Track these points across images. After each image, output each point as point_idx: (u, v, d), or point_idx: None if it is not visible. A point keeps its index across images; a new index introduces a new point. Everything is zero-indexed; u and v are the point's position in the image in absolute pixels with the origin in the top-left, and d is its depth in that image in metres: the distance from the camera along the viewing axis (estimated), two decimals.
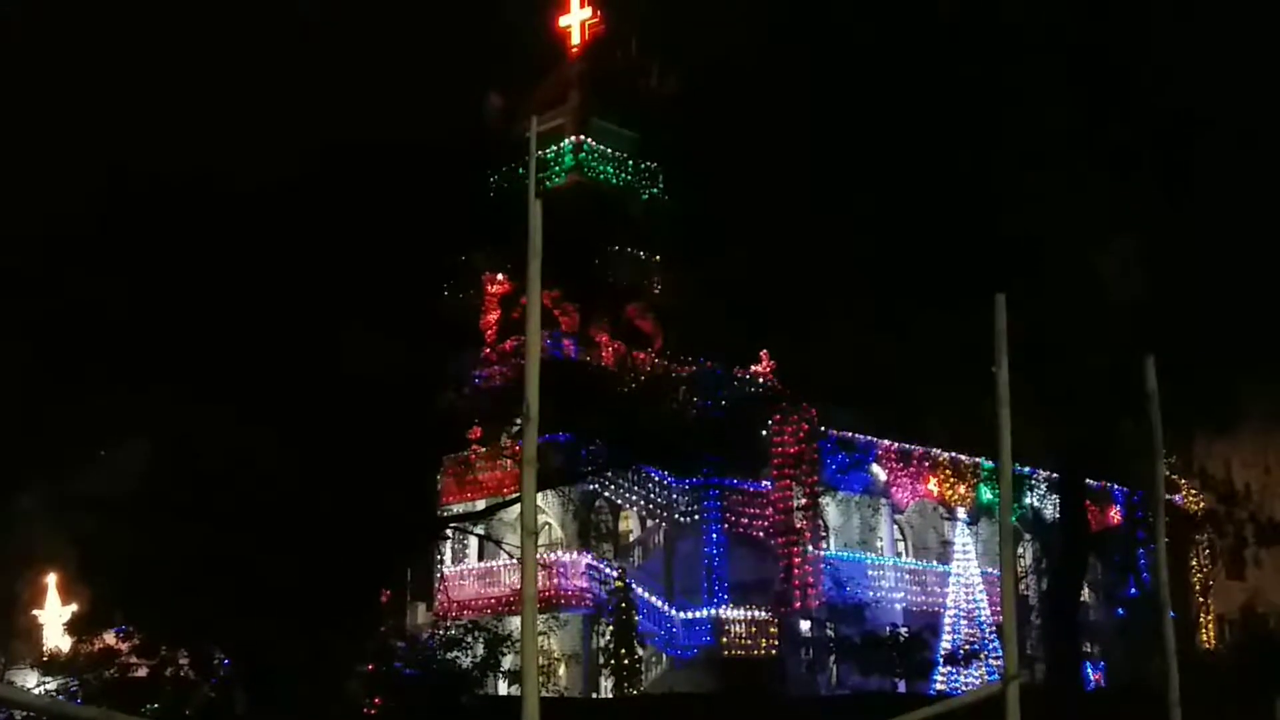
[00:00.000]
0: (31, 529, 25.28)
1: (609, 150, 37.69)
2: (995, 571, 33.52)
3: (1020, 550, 37.78)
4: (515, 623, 28.17)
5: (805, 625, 33.67)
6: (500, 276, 28.01)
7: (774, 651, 32.33)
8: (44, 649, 26.92)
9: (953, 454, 37.86)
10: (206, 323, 19.96)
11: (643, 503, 33.43)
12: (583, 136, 37.32)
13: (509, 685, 27.69)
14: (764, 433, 32.73)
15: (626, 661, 29.75)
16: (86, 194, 22.01)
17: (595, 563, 32.80)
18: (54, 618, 29.93)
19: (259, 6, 65.29)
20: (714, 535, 32.75)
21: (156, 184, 20.66)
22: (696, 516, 32.72)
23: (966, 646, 33.87)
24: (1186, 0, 25.30)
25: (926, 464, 37.70)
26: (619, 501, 34.25)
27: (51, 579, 30.71)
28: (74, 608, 27.28)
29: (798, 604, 32.76)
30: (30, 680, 25.20)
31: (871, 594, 34.46)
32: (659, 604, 32.12)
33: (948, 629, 34.64)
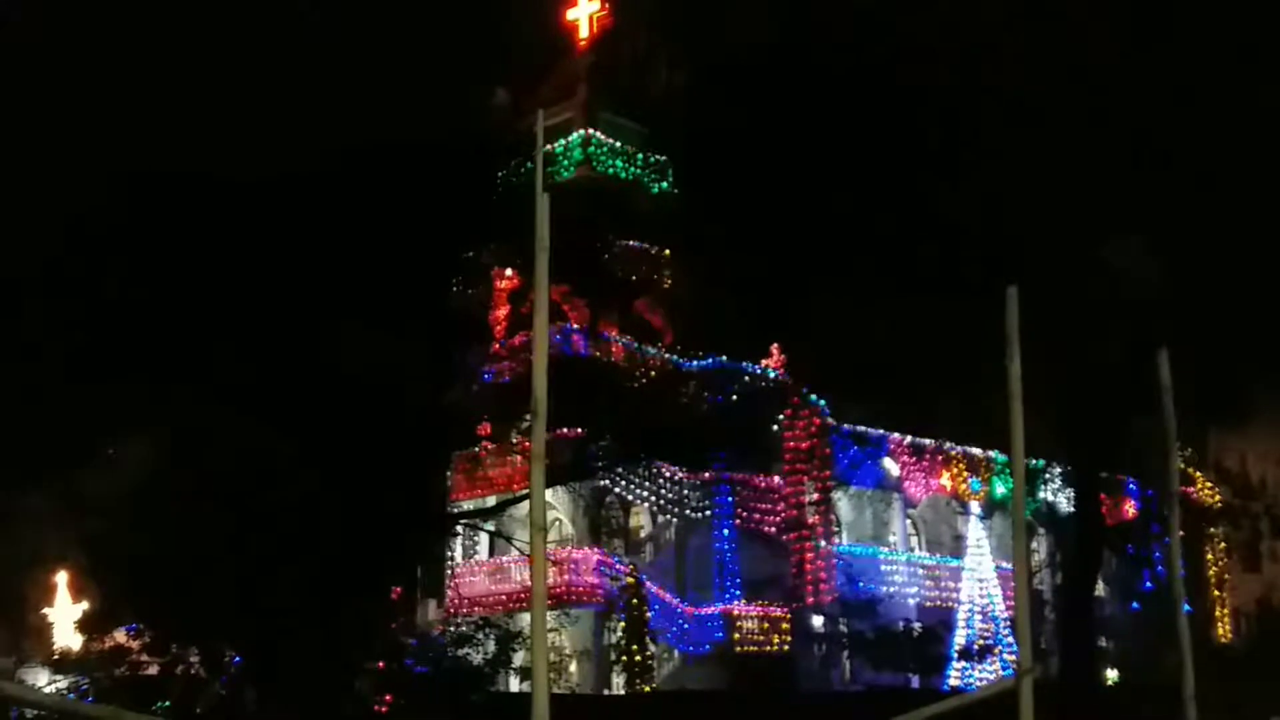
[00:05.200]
0: (41, 527, 25.25)
1: (618, 144, 37.55)
2: (1009, 566, 33.38)
3: (1034, 544, 37.61)
4: (526, 619, 28.01)
5: (818, 620, 33.56)
6: (509, 272, 27.93)
7: (786, 647, 32.25)
8: (54, 647, 26.90)
9: (966, 448, 37.71)
10: (215, 320, 19.92)
11: (654, 498, 33.33)
12: (591, 130, 37.18)
13: (520, 682, 27.62)
14: (775, 427, 32.63)
15: (638, 658, 29.67)
16: (97, 193, 22.00)
17: (606, 559, 32.71)
18: (64, 616, 29.91)
19: (265, 5, 65.32)
20: (725, 531, 32.68)
21: (165, 183, 20.65)
22: (708, 512, 32.64)
23: (980, 641, 33.74)
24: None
25: (940, 458, 37.53)
26: (630, 497, 34.14)
27: (62, 577, 30.69)
28: (85, 606, 27.26)
29: (810, 599, 32.67)
30: (41, 679, 25.19)
31: (884, 589, 34.34)
32: (670, 600, 32.04)
33: (961, 624, 34.50)
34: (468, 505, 31.39)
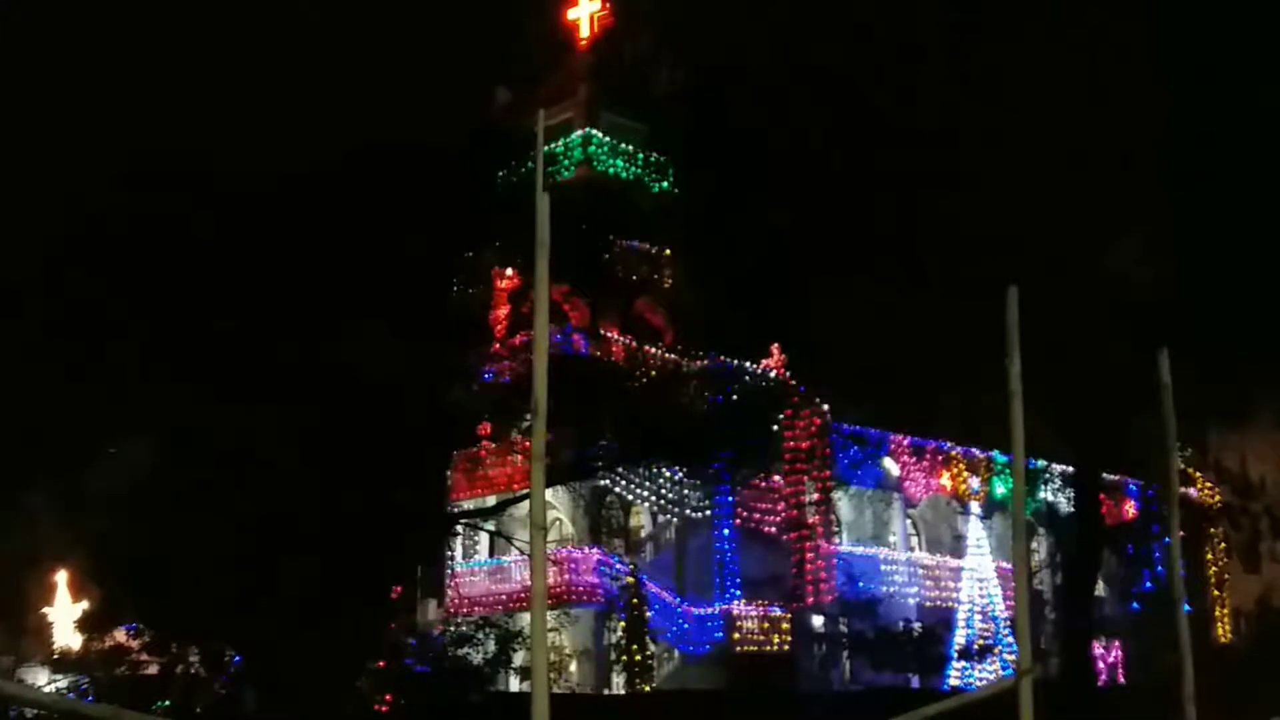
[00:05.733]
0: (41, 526, 25.25)
1: (618, 143, 37.56)
2: (1009, 566, 33.39)
3: (1034, 544, 37.62)
4: (526, 619, 28.03)
5: (818, 621, 33.56)
6: (509, 271, 27.94)
7: (786, 647, 32.24)
8: (54, 647, 26.90)
9: (966, 448, 37.72)
10: (217, 319, 19.91)
11: (654, 498, 33.33)
12: (591, 130, 37.20)
13: (520, 682, 27.62)
14: (775, 427, 32.59)
15: (638, 657, 29.68)
16: (96, 190, 21.99)
17: (606, 558, 32.73)
18: (64, 615, 29.92)
19: (265, 4, 65.42)
20: (725, 530, 32.66)
21: (165, 181, 20.62)
22: (708, 512, 32.62)
23: (980, 641, 33.76)
24: None
25: (940, 458, 37.55)
26: (630, 497, 34.16)
27: (61, 576, 30.72)
28: (84, 605, 27.25)
29: (810, 599, 32.65)
30: (41, 678, 25.21)
31: (884, 589, 34.34)
32: (670, 600, 32.05)
33: (961, 624, 34.53)
34: (468, 505, 31.39)
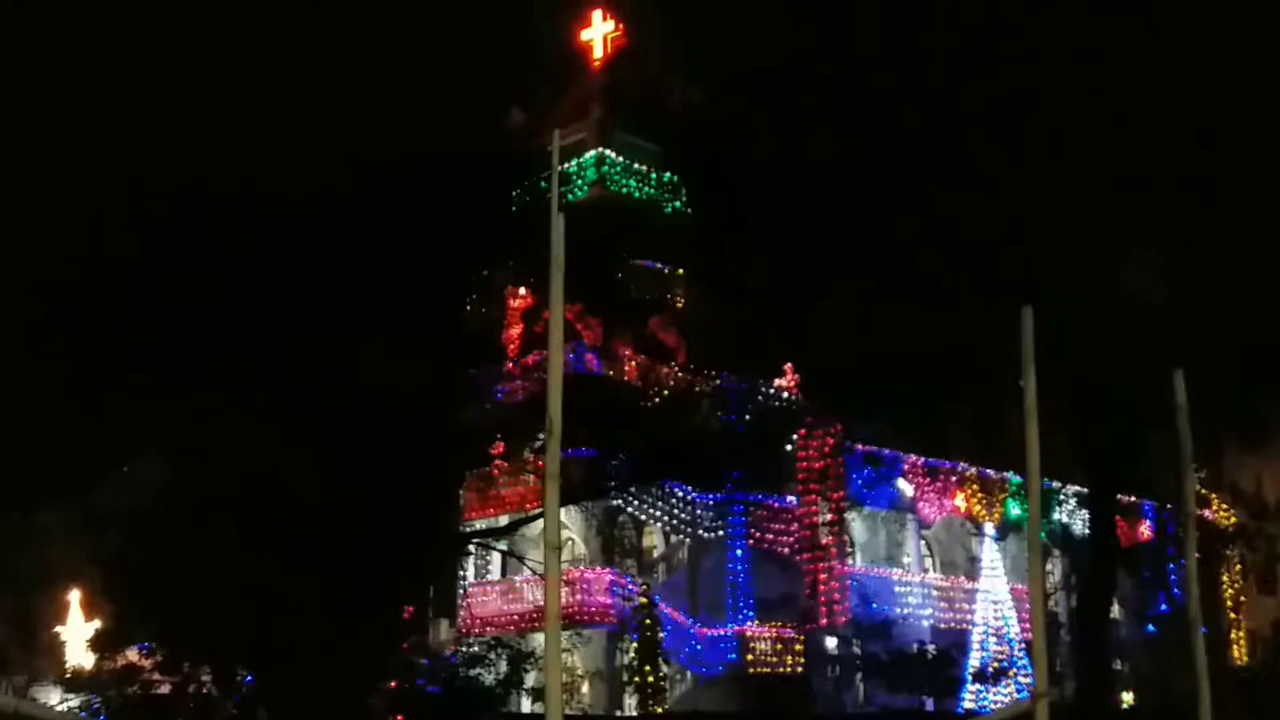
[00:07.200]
0: (54, 545, 25.29)
1: (631, 163, 37.62)
2: (1024, 587, 33.20)
3: (1049, 566, 37.42)
4: (538, 639, 28.00)
5: (831, 642, 33.42)
6: (522, 291, 27.98)
7: (800, 669, 32.10)
8: (67, 666, 26.90)
9: (980, 468, 37.55)
10: (229, 337, 19.94)
11: (666, 518, 33.26)
12: (605, 150, 37.28)
13: (532, 703, 27.51)
14: (789, 447, 32.53)
15: (651, 679, 29.54)
16: (112, 208, 22.07)
17: (619, 579, 32.63)
18: (76, 634, 29.90)
19: (283, 25, 65.82)
20: (739, 551, 32.57)
21: (179, 199, 20.70)
22: (721, 532, 32.55)
23: (995, 664, 33.55)
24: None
25: (954, 479, 37.40)
26: (642, 517, 34.08)
27: (74, 595, 30.73)
28: (97, 624, 27.25)
29: (824, 621, 32.51)
30: (54, 697, 25.19)
31: (898, 611, 34.18)
32: (683, 621, 31.93)
33: (976, 646, 34.31)
34: (480, 524, 31.33)
